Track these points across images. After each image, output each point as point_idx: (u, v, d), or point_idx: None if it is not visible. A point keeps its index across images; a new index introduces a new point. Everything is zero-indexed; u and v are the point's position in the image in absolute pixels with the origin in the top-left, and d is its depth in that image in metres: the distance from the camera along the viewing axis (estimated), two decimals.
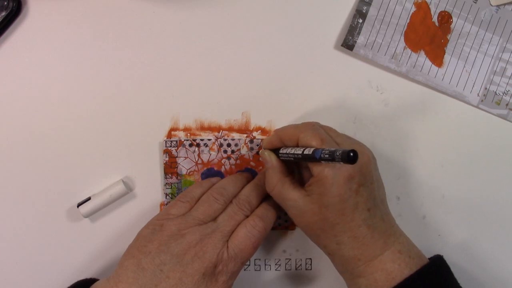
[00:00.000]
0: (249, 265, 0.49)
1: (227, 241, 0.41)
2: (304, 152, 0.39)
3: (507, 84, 0.50)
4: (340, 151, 0.35)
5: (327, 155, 0.37)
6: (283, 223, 0.49)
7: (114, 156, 0.49)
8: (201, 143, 0.48)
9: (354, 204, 0.40)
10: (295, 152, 0.41)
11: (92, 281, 0.42)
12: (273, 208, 0.45)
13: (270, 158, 0.44)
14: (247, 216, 0.43)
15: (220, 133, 0.49)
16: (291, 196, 0.42)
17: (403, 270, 0.40)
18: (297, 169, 0.45)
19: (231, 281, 0.41)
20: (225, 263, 0.40)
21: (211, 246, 0.40)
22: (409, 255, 0.41)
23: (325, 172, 0.40)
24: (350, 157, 0.34)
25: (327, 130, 0.43)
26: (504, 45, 0.50)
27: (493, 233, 0.51)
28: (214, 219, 0.43)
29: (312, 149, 0.39)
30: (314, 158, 0.38)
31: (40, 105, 0.48)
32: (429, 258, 0.43)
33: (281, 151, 0.43)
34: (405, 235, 0.43)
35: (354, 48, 0.49)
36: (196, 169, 0.48)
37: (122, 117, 0.49)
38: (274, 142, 0.45)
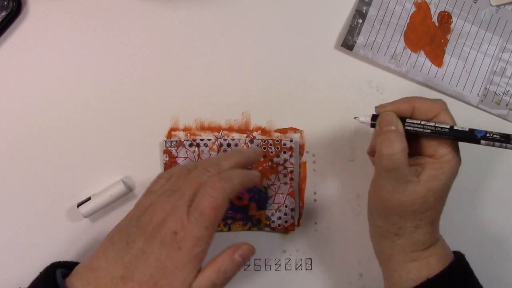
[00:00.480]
0: (249, 265, 0.49)
1: (190, 205, 0.39)
2: (456, 128, 0.39)
3: (507, 84, 0.50)
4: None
5: (497, 136, 0.37)
6: (283, 223, 0.49)
7: (114, 156, 0.49)
8: (201, 143, 0.48)
9: (446, 195, 0.41)
10: (442, 126, 0.40)
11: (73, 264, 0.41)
12: (243, 173, 0.41)
13: (396, 121, 0.41)
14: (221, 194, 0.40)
15: (220, 133, 0.49)
16: (405, 172, 0.40)
17: (450, 253, 0.42)
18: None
19: (199, 248, 0.38)
20: (186, 229, 0.38)
21: (171, 213, 0.39)
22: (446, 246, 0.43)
23: (449, 157, 0.40)
24: None
25: None
26: (504, 45, 0.50)
27: (493, 232, 0.50)
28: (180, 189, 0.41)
29: (467, 128, 0.39)
30: (469, 137, 0.39)
31: (40, 105, 0.48)
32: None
33: (413, 121, 0.41)
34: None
35: (354, 48, 0.49)
36: None
37: (122, 117, 0.49)
38: (402, 109, 0.42)
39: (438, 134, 0.40)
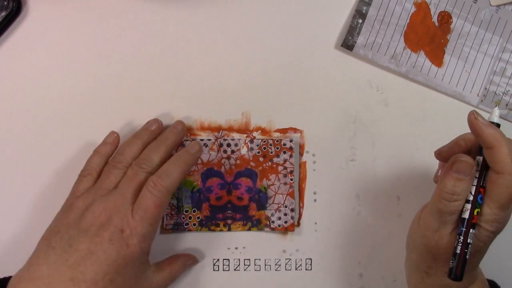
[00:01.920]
0: (249, 265, 0.49)
1: (132, 203, 0.41)
2: None
3: (507, 84, 0.50)
4: None
5: None
6: (282, 224, 0.49)
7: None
8: (201, 143, 0.48)
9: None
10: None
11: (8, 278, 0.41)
12: (177, 162, 0.43)
13: (471, 171, 0.38)
14: (151, 174, 0.42)
15: (220, 133, 0.49)
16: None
17: None
18: None
19: (145, 243, 0.41)
20: (132, 227, 0.40)
21: (115, 212, 0.40)
22: None
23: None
24: None
25: None
26: (504, 45, 0.50)
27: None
28: (116, 185, 0.43)
29: None
30: None
31: (40, 105, 0.48)
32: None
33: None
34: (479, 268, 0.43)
35: (354, 48, 0.49)
36: (196, 169, 0.48)
37: (122, 117, 0.49)
38: (468, 143, 0.40)
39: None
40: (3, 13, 0.47)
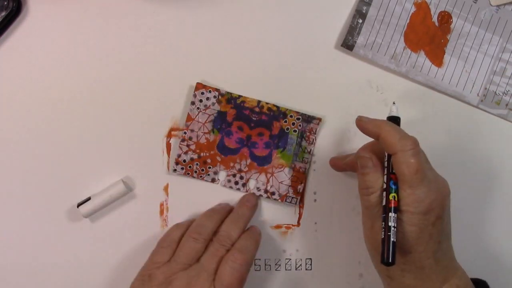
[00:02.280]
0: None
1: (214, 279, 0.42)
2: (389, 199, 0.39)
3: (507, 84, 0.50)
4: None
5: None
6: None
7: (114, 156, 0.49)
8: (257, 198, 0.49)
9: (428, 235, 0.39)
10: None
11: None
12: (252, 237, 0.45)
13: (372, 163, 0.42)
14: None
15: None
16: (379, 215, 0.40)
17: None
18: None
19: None
20: None
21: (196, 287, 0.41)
22: None
23: (408, 200, 0.39)
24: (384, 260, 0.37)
25: (423, 155, 0.42)
26: (504, 45, 0.50)
27: (493, 232, 0.51)
28: (198, 259, 0.44)
29: (393, 210, 0.39)
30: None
31: (40, 105, 0.48)
32: (474, 283, 0.43)
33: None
34: (462, 269, 0.43)
35: (354, 48, 0.49)
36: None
37: (122, 117, 0.49)
38: (370, 129, 0.42)
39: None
40: (3, 13, 0.47)
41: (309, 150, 0.49)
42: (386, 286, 0.43)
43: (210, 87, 0.48)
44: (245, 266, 0.43)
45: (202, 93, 0.48)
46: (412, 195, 0.39)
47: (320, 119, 0.49)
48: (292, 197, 0.49)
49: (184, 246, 0.44)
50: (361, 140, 0.47)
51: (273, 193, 0.49)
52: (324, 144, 0.50)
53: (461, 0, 0.50)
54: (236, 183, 0.49)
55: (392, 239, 0.38)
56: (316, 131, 0.49)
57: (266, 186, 0.49)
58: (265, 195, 0.49)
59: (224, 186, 0.49)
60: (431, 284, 0.40)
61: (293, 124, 0.48)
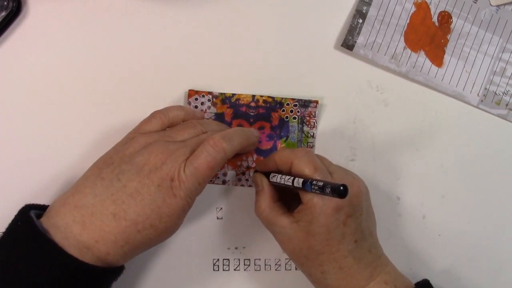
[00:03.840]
0: (249, 265, 0.49)
1: (188, 158, 0.40)
2: (294, 184, 0.39)
3: (507, 84, 0.50)
4: (329, 186, 0.35)
5: (317, 189, 0.37)
6: None
7: None
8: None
9: (341, 234, 0.40)
10: (285, 182, 0.40)
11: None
12: (243, 133, 0.44)
13: (261, 181, 0.43)
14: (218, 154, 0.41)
15: None
16: (279, 223, 0.41)
17: None
18: (286, 193, 0.44)
19: (190, 198, 0.40)
20: (181, 179, 0.39)
21: (171, 160, 0.39)
22: (395, 285, 0.41)
23: (314, 200, 0.39)
24: (341, 191, 0.34)
25: (321, 159, 0.43)
26: (504, 45, 0.50)
27: (494, 232, 0.51)
28: (184, 141, 0.41)
29: (301, 181, 0.39)
30: (304, 190, 0.39)
31: (41, 105, 0.48)
32: (415, 284, 0.43)
33: (271, 177, 0.43)
34: (392, 264, 0.43)
35: (354, 48, 0.49)
36: None
37: (121, 117, 0.49)
38: (268, 165, 0.44)
39: (291, 186, 0.40)
40: (3, 13, 0.47)
41: (312, 134, 0.49)
42: None
43: (202, 92, 0.48)
44: (221, 155, 0.40)
45: (196, 99, 0.48)
46: (317, 196, 0.39)
47: (317, 101, 0.49)
48: None
49: (179, 126, 0.43)
50: (361, 141, 0.47)
51: None
52: (324, 144, 0.50)
53: (461, 0, 0.50)
54: (247, 180, 0.49)
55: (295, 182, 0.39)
56: (315, 114, 0.49)
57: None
58: None
59: (236, 185, 0.49)
60: (356, 283, 0.40)
61: (291, 111, 0.48)
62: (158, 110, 0.44)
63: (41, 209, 0.40)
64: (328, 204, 0.39)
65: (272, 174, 0.43)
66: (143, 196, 0.38)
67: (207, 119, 0.47)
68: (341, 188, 0.34)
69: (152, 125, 0.43)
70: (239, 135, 0.43)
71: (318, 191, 0.37)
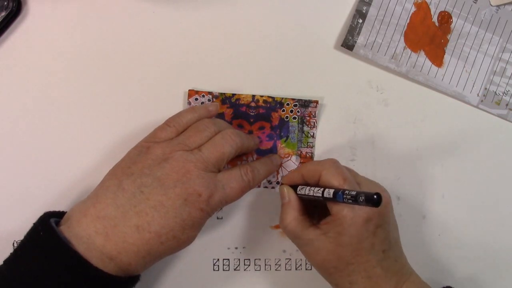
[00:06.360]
0: (249, 265, 0.49)
1: (216, 174, 0.41)
2: (325, 195, 0.39)
3: (507, 84, 0.50)
4: (363, 195, 0.35)
5: (350, 199, 0.37)
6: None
7: (114, 156, 0.48)
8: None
9: (370, 245, 0.40)
10: (315, 194, 0.40)
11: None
12: (266, 168, 0.45)
13: (288, 194, 0.43)
14: (236, 151, 0.43)
15: None
16: (306, 235, 0.41)
17: None
18: (312, 204, 0.44)
19: (213, 212, 0.41)
20: (213, 195, 0.40)
21: (196, 174, 0.40)
22: None
23: (344, 212, 0.39)
24: (375, 199, 0.34)
25: (348, 170, 0.43)
26: (504, 45, 0.50)
27: (494, 232, 0.51)
28: (199, 146, 0.42)
29: (332, 191, 0.39)
30: (334, 200, 0.38)
31: (40, 106, 0.48)
32: None
33: (299, 190, 0.43)
34: (416, 274, 0.43)
35: (354, 48, 0.49)
36: None
37: (121, 117, 0.49)
38: (294, 179, 0.44)
39: (320, 198, 0.40)
40: (3, 13, 0.47)
41: (312, 134, 0.49)
42: None
43: (202, 92, 0.48)
44: (250, 183, 0.43)
45: (196, 99, 0.48)
46: (346, 207, 0.39)
47: (317, 102, 0.49)
48: None
49: (193, 128, 0.43)
50: (361, 141, 0.47)
51: None
52: (324, 144, 0.50)
53: (461, 0, 0.50)
54: None
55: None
56: (315, 114, 0.49)
57: (277, 178, 0.49)
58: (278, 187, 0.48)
59: None
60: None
61: (291, 111, 0.48)
62: (172, 117, 0.44)
63: (57, 215, 0.41)
64: (359, 215, 0.39)
65: (300, 187, 0.43)
66: (167, 209, 0.39)
67: (215, 118, 0.47)
68: (375, 196, 0.34)
69: (167, 133, 0.43)
70: (266, 169, 0.45)
71: (350, 201, 0.37)
